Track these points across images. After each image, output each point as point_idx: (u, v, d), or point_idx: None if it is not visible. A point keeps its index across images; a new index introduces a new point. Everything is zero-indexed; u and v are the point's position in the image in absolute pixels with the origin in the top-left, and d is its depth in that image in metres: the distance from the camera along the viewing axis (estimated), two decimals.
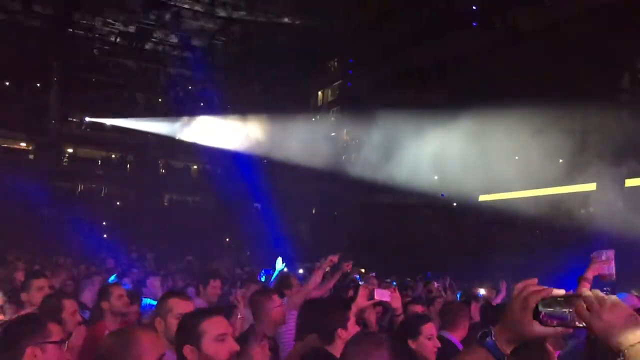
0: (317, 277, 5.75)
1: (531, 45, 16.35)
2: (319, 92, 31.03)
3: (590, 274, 4.19)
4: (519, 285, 1.53)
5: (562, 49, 16.78)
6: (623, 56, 16.62)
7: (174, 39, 28.43)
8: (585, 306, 1.40)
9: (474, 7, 17.39)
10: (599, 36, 15.14)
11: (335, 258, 5.92)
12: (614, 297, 1.40)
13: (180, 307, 3.34)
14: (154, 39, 28.77)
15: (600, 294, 1.41)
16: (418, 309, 5.67)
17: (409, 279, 12.56)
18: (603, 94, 16.71)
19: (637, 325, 1.37)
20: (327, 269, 6.11)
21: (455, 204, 19.99)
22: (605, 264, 4.17)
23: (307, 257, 13.14)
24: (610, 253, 4.18)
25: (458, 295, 9.17)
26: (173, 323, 3.19)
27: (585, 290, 1.43)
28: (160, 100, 32.75)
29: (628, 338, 1.35)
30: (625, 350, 1.35)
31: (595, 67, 16.61)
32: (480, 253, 17.61)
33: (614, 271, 4.16)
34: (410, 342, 3.99)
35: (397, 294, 4.57)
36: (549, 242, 16.01)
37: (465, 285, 11.77)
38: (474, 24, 17.82)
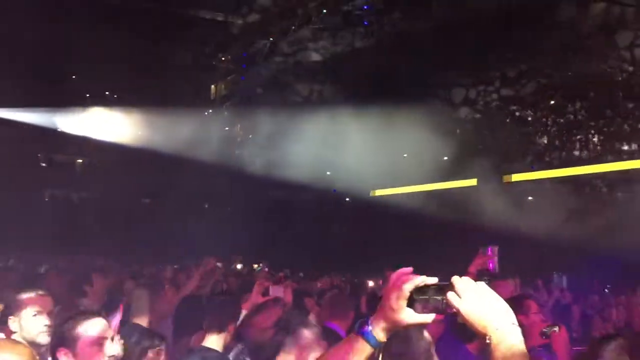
0: (194, 281, 5.78)
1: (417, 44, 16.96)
2: (212, 86, 30.47)
3: (473, 268, 4.41)
4: (394, 275, 1.58)
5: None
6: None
7: None
8: (455, 293, 1.46)
9: (366, 7, 17.84)
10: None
11: (211, 262, 5.96)
12: (482, 284, 1.46)
13: (34, 304, 3.23)
14: None
15: (470, 280, 1.47)
16: (309, 302, 5.81)
17: (301, 274, 12.69)
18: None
19: (504, 310, 1.43)
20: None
21: (348, 199, 20.43)
22: (490, 258, 4.40)
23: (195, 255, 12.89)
24: (495, 248, 4.41)
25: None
26: (28, 322, 3.13)
27: (456, 277, 1.48)
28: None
29: (494, 323, 1.41)
30: (492, 334, 1.40)
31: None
32: (371, 247, 18.12)
33: (497, 266, 4.40)
34: None
35: (290, 289, 4.63)
36: (436, 236, 16.75)
37: (356, 278, 12.07)
38: (365, 22, 18.28)
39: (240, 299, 4.99)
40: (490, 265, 4.38)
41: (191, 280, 5.97)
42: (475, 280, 1.48)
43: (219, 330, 3.93)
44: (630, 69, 15.99)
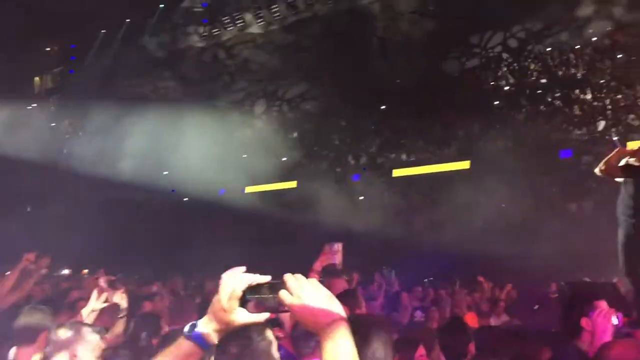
0: (10, 280, 5.30)
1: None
2: (37, 78, 28.23)
3: (318, 265, 4.52)
4: (225, 275, 1.55)
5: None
6: None
7: None
8: (287, 291, 1.46)
9: (204, 4, 17.67)
10: None
11: (31, 256, 5.53)
12: (313, 281, 1.50)
13: None
14: None
15: (302, 278, 1.49)
16: (147, 305, 5.65)
17: (136, 277, 12.18)
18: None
19: (334, 305, 1.46)
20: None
21: (186, 199, 20.00)
22: (334, 255, 4.53)
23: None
24: (339, 245, 4.55)
25: None
26: None
27: (288, 275, 1.49)
28: None
29: (324, 318, 1.43)
30: (322, 330, 1.43)
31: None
32: (210, 247, 17.89)
33: (341, 262, 4.54)
34: None
35: (125, 294, 4.44)
36: (278, 235, 16.98)
37: (194, 279, 11.84)
38: (205, 20, 18.07)
39: (60, 305, 4.70)
40: (335, 260, 4.50)
41: (6, 280, 5.38)
42: (320, 276, 1.52)
43: (29, 342, 3.64)
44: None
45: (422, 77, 16.96)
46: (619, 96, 15.42)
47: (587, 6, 16.08)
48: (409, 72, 17.04)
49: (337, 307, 1.47)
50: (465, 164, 15.93)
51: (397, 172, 17.20)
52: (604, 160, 6.32)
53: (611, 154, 6.38)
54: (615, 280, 6.99)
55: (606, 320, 3.09)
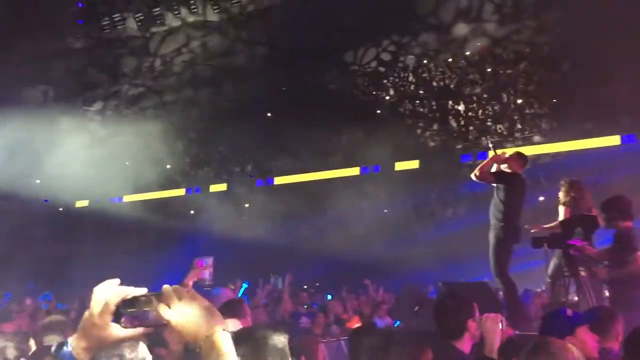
0: None
1: None
2: None
3: (189, 280, 4.40)
4: (96, 289, 1.44)
5: None
6: None
7: None
8: (165, 303, 1.39)
9: (80, 4, 16.87)
10: None
11: None
12: (191, 291, 1.43)
13: None
14: None
15: (181, 289, 1.41)
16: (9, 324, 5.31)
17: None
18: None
19: (213, 316, 1.40)
20: None
21: (61, 209, 18.85)
22: (205, 269, 4.43)
23: None
24: (209, 260, 4.45)
25: None
26: None
27: (166, 286, 1.41)
28: None
29: (203, 329, 1.37)
30: (202, 342, 1.36)
31: None
32: (89, 258, 16.98)
33: (212, 277, 4.45)
34: None
35: None
36: (160, 245, 16.48)
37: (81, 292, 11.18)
38: (80, 21, 17.24)
39: None
40: (206, 275, 4.41)
41: None
42: (194, 289, 1.44)
43: None
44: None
45: (308, 86, 17.21)
46: (489, 107, 16.50)
47: (459, 20, 17.09)
48: (294, 80, 17.23)
49: (217, 318, 1.41)
50: (350, 171, 16.32)
51: (282, 180, 17.30)
52: (479, 166, 6.73)
53: (486, 160, 6.82)
54: (485, 280, 7.45)
55: (495, 324, 3.22)
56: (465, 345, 3.34)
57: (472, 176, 6.74)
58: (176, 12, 18.62)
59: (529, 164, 6.98)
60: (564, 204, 6.60)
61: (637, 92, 12.30)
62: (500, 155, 6.81)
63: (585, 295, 5.92)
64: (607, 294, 6.15)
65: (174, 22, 19.14)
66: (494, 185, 6.73)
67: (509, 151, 7.07)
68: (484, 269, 7.17)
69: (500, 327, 3.20)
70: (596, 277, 6.03)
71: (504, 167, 6.78)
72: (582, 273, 6.02)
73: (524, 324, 5.72)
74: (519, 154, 6.97)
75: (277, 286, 11.79)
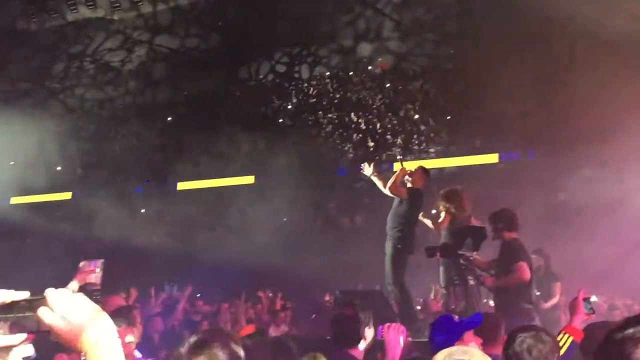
0: None
1: None
2: None
3: (76, 284, 4.17)
4: None
5: None
6: None
7: None
8: (48, 307, 1.30)
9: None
10: None
11: None
12: (79, 295, 1.34)
13: None
14: None
15: (65, 293, 1.32)
16: None
17: None
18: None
19: (101, 322, 1.32)
20: None
21: None
22: (93, 273, 4.20)
23: None
24: (98, 263, 4.23)
25: None
26: None
27: (50, 290, 1.32)
28: None
29: (90, 336, 1.30)
30: (87, 349, 1.30)
31: None
32: None
33: (100, 281, 4.23)
34: None
35: None
36: (48, 250, 15.58)
37: None
38: None
39: None
40: (93, 279, 4.19)
41: None
42: (82, 294, 1.35)
43: None
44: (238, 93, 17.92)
45: (209, 92, 16.99)
46: (387, 120, 17.02)
47: (361, 36, 17.55)
48: (196, 85, 16.97)
49: (105, 323, 1.33)
50: (249, 179, 16.23)
51: (180, 186, 16.89)
52: (391, 181, 6.90)
53: (395, 175, 7.00)
54: (378, 287, 7.64)
55: (397, 333, 3.27)
56: (360, 353, 3.38)
57: (386, 190, 6.91)
58: (73, 9, 17.85)
59: (429, 178, 7.27)
60: (445, 211, 6.84)
61: (524, 113, 13.19)
62: (405, 169, 7.03)
63: (473, 303, 6.22)
64: (492, 302, 6.49)
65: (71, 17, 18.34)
66: (395, 197, 6.93)
67: (409, 165, 7.30)
68: (379, 277, 7.34)
69: (401, 337, 3.25)
70: (483, 285, 6.35)
71: (407, 179, 7.01)
72: (471, 282, 6.32)
73: (416, 332, 5.91)
74: (422, 168, 7.24)
75: (172, 294, 11.47)
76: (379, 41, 17.30)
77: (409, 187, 6.93)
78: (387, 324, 3.36)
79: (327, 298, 9.34)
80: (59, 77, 18.59)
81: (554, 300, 7.39)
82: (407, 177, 7.00)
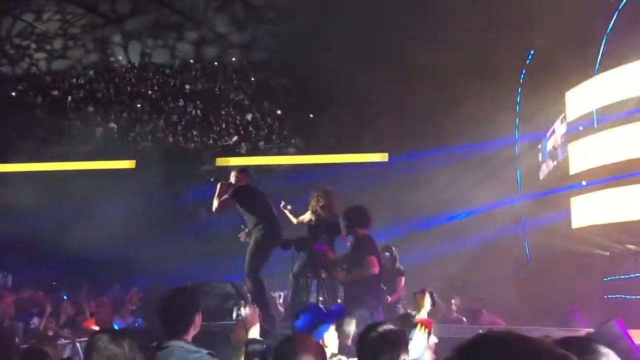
0: None
1: None
2: None
3: None
4: None
5: None
6: None
7: None
8: None
9: None
10: None
11: None
12: None
13: None
14: None
15: None
16: None
17: None
18: None
19: None
20: None
21: None
22: None
23: None
24: None
25: None
26: None
27: None
28: None
29: None
30: None
31: None
32: None
33: None
34: None
35: None
36: None
37: None
38: None
39: None
40: None
41: None
42: None
43: None
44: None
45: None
46: (250, 114, 16.97)
47: (226, 25, 17.41)
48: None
49: None
50: (106, 164, 15.26)
51: (18, 167, 15.49)
52: (214, 202, 6.87)
53: (216, 194, 6.96)
54: (236, 280, 7.60)
55: (254, 311, 3.26)
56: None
57: (214, 209, 6.92)
58: None
59: (252, 173, 7.32)
60: (311, 210, 7.03)
61: (381, 114, 13.74)
62: (224, 184, 7.03)
63: (324, 296, 6.38)
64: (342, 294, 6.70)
65: None
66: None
67: (233, 160, 7.28)
68: (237, 269, 7.30)
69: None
70: (335, 279, 6.53)
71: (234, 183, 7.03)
72: (323, 275, 6.48)
73: (270, 324, 5.93)
74: (239, 169, 7.25)
75: (5, 284, 10.59)
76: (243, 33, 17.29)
77: (234, 191, 6.89)
78: (243, 302, 3.40)
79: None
80: None
81: (399, 295, 7.79)
82: (232, 187, 7.00)
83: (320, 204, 6.91)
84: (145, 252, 12.29)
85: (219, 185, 7.03)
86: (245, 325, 3.18)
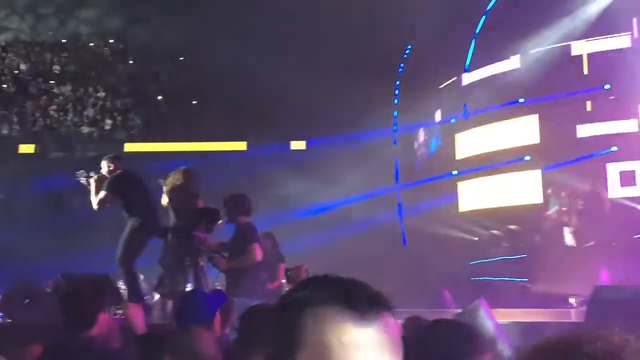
0: None
1: None
2: None
3: None
4: None
5: None
6: None
7: None
8: None
9: None
10: None
11: None
12: None
13: None
14: None
15: None
16: None
17: None
18: None
19: None
20: None
21: None
22: None
23: None
24: None
25: None
26: None
27: None
28: None
29: None
30: None
31: None
32: None
33: None
34: None
35: None
36: None
37: None
38: None
39: None
40: None
41: None
42: None
43: None
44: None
45: None
46: (129, 99, 16.26)
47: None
48: None
49: None
50: None
51: None
52: (94, 200, 6.54)
53: (92, 192, 6.63)
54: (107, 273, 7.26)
55: (136, 311, 3.17)
56: (99, 336, 3.19)
57: (95, 208, 6.61)
58: None
59: (122, 160, 7.02)
60: (167, 189, 6.75)
61: (261, 104, 13.75)
62: (100, 176, 6.73)
63: (201, 284, 6.28)
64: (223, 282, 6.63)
65: None
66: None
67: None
68: (106, 260, 7.01)
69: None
70: (216, 267, 6.43)
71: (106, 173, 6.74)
72: (201, 263, 6.38)
73: (145, 314, 5.75)
74: (110, 158, 6.90)
75: None
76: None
77: (109, 184, 6.61)
78: (127, 303, 3.33)
79: (46, 282, 8.55)
80: None
81: (280, 281, 7.85)
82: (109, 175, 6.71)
83: (178, 182, 6.65)
84: (8, 243, 11.42)
85: (92, 181, 6.67)
86: (130, 324, 3.10)
